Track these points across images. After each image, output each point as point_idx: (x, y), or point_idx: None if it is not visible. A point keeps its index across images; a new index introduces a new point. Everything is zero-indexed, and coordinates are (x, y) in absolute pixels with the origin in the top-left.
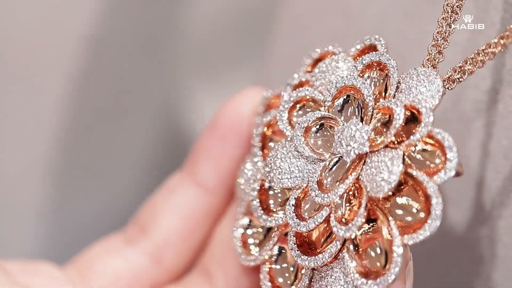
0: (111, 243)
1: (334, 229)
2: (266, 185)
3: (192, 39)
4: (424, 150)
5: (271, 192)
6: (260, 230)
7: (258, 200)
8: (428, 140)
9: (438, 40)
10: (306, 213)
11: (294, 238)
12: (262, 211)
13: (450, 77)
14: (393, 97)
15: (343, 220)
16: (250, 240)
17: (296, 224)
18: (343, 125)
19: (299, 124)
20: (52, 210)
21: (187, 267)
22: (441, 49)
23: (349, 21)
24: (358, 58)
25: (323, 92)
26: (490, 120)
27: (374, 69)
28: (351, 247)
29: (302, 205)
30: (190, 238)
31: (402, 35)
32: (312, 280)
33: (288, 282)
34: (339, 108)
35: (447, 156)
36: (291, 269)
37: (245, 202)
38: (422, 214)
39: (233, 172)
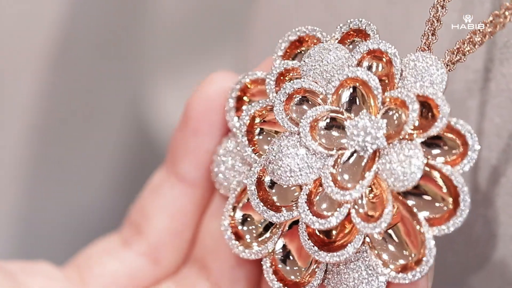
0: (108, 244)
1: (358, 226)
2: (267, 180)
3: (156, 34)
4: (438, 138)
5: (273, 189)
6: (259, 225)
7: (257, 196)
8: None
9: (432, 24)
10: (325, 211)
11: (307, 234)
12: (264, 207)
13: (450, 60)
14: (399, 87)
15: (368, 216)
16: (247, 234)
17: (313, 221)
18: (354, 119)
19: (304, 119)
20: (24, 209)
21: (183, 262)
22: (435, 31)
23: (331, 11)
24: (344, 42)
25: (318, 82)
26: (482, 99)
27: (373, 57)
28: (378, 241)
29: (315, 201)
30: (183, 234)
31: (387, 23)
32: (327, 274)
33: (298, 274)
34: (346, 102)
35: (469, 144)
36: (299, 263)
37: (234, 194)
38: (449, 205)
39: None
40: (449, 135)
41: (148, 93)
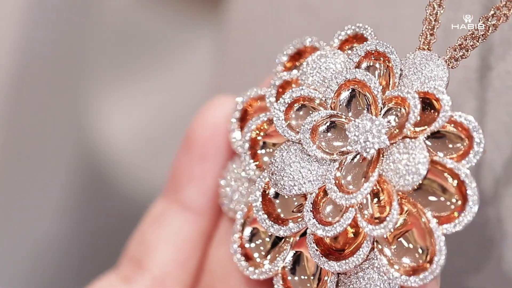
0: (107, 284)
1: (366, 229)
2: (271, 192)
3: (96, 49)
4: (442, 134)
5: (277, 201)
6: (267, 240)
7: (262, 211)
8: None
9: (430, 22)
10: (330, 218)
11: (315, 245)
12: (270, 221)
13: (452, 56)
14: (399, 85)
15: (374, 219)
16: (255, 252)
17: (320, 229)
18: (355, 121)
19: (304, 125)
20: None
21: None
22: (434, 30)
23: (310, 16)
24: (343, 49)
25: (318, 89)
26: (485, 98)
27: (371, 59)
28: (385, 245)
29: (320, 209)
30: (188, 264)
31: (373, 23)
32: (339, 285)
33: (308, 285)
34: (345, 104)
35: (474, 137)
36: (312, 277)
37: (242, 214)
38: (458, 202)
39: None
40: (453, 129)
41: (90, 113)
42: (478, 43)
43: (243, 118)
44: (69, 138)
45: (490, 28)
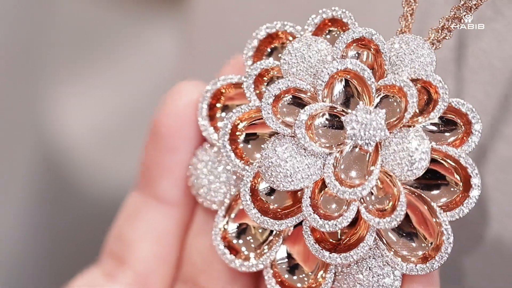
0: (89, 280)
1: (372, 222)
2: (261, 187)
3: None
4: (441, 121)
5: (270, 196)
6: (258, 234)
7: (253, 206)
8: None
9: (409, 4)
10: (329, 211)
11: (313, 238)
12: (264, 217)
13: (435, 38)
14: (392, 73)
15: (379, 211)
16: (243, 246)
17: (322, 224)
18: (351, 113)
19: (299, 119)
20: None
21: (172, 283)
22: (413, 11)
23: (276, 1)
24: (320, 33)
25: (304, 79)
26: (461, 77)
27: (359, 46)
28: (391, 235)
29: (318, 203)
30: (169, 257)
31: (347, 5)
32: (336, 277)
33: (306, 280)
34: (339, 95)
35: (472, 123)
36: (305, 269)
37: (224, 205)
38: (460, 188)
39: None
40: (450, 115)
41: (52, 106)
42: (461, 24)
43: (213, 105)
44: (27, 136)
45: (472, 8)
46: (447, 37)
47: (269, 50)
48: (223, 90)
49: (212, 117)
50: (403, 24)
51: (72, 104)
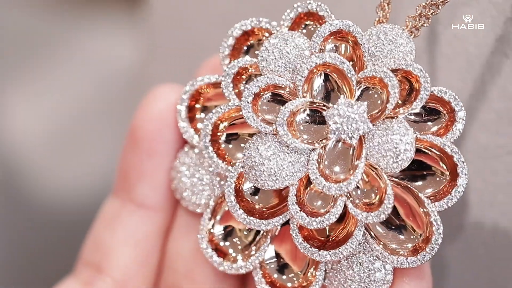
0: None
1: (360, 217)
2: (246, 187)
3: None
4: (423, 111)
5: (255, 196)
6: (244, 235)
7: (238, 207)
8: None
9: None
10: (315, 208)
11: (301, 236)
12: (251, 217)
13: (413, 26)
14: (373, 65)
15: (366, 205)
16: (230, 248)
17: (309, 221)
18: (333, 107)
19: (281, 116)
20: None
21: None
22: (390, 1)
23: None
24: (297, 27)
25: (282, 76)
26: (436, 65)
27: (337, 39)
28: (379, 229)
29: (304, 201)
30: (149, 263)
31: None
32: (327, 274)
33: (295, 279)
34: (319, 90)
35: (456, 110)
36: (294, 268)
37: (209, 207)
38: (447, 177)
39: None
40: (432, 104)
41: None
42: (438, 10)
43: (192, 107)
44: None
45: None
46: (425, 25)
47: (245, 48)
48: (202, 91)
49: (191, 119)
50: (380, 14)
51: (17, 111)
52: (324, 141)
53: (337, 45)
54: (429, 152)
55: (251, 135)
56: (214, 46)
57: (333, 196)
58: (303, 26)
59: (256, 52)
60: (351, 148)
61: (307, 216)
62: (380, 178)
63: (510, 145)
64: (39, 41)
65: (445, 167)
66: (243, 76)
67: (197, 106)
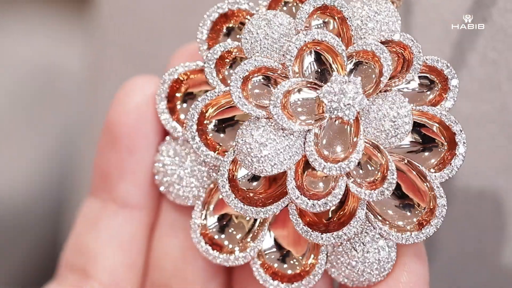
0: None
1: (362, 195)
2: (240, 175)
3: None
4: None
5: (252, 183)
6: (241, 222)
7: (234, 196)
8: None
9: None
10: (316, 190)
11: (301, 220)
12: (248, 206)
13: None
14: (361, 38)
15: (368, 183)
16: (226, 240)
17: (312, 205)
18: (326, 85)
19: (274, 99)
20: None
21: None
22: None
23: None
24: (276, 6)
25: (270, 57)
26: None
27: (324, 14)
28: (383, 206)
29: (303, 184)
30: (137, 263)
31: None
32: (329, 257)
33: (297, 265)
34: (310, 68)
35: (448, 78)
36: (294, 253)
37: (200, 199)
38: (445, 147)
39: (154, 179)
40: (424, 73)
41: None
42: None
43: (172, 96)
44: None
45: None
46: None
47: (225, 30)
48: (181, 78)
49: (172, 110)
50: None
51: None
52: (319, 121)
53: (325, 21)
54: (426, 123)
55: (241, 121)
56: (168, 42)
57: (333, 177)
58: (283, 4)
59: (238, 36)
60: (348, 126)
61: (309, 199)
62: (380, 154)
63: (494, 113)
64: None
65: (443, 138)
66: (226, 61)
67: (178, 95)
